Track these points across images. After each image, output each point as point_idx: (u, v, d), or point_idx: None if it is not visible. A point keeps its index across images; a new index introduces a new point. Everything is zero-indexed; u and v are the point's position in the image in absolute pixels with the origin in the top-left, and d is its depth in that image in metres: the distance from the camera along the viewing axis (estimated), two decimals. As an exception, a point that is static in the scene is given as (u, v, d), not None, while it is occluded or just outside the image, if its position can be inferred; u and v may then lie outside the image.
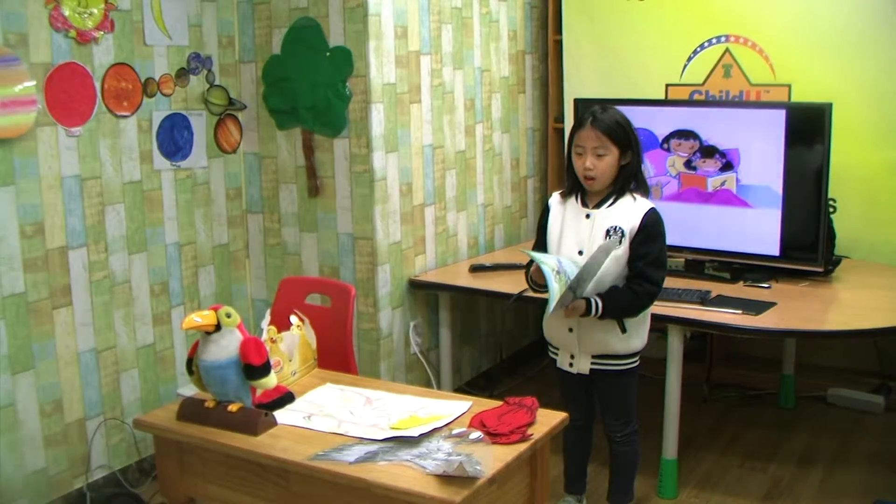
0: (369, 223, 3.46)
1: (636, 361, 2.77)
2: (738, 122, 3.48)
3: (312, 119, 3.49)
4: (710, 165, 3.54)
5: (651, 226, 2.60)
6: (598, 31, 4.28)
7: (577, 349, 2.72)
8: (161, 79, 3.31)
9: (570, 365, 2.76)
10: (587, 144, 2.58)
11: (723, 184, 3.53)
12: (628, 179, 2.63)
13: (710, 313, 3.07)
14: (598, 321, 2.62)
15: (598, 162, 2.58)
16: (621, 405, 2.81)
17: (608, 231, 2.60)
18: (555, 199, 2.78)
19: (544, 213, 2.79)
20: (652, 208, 2.62)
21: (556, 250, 2.70)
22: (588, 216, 2.66)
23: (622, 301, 2.60)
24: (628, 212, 2.61)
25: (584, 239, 2.64)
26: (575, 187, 2.71)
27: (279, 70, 3.54)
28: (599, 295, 2.57)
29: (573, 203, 2.71)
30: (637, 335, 2.72)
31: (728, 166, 3.51)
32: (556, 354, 2.82)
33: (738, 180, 3.50)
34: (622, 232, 2.59)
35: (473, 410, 2.23)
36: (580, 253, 2.64)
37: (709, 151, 3.55)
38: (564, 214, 2.72)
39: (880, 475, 3.33)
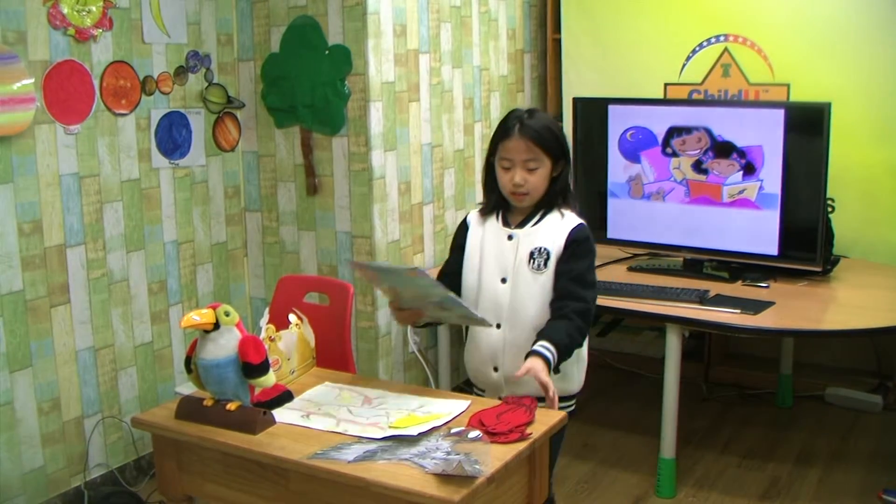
0: (368, 222, 3.45)
1: (572, 405, 2.39)
2: (736, 121, 3.47)
3: (311, 117, 3.49)
4: (726, 168, 3.47)
5: (578, 242, 2.29)
6: (597, 30, 4.28)
7: (505, 391, 2.33)
8: (159, 77, 3.30)
9: None
10: (516, 157, 2.25)
11: (741, 192, 3.45)
12: (557, 193, 2.32)
13: (708, 312, 3.07)
14: (523, 357, 2.19)
15: (530, 176, 2.26)
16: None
17: (532, 254, 2.29)
18: (473, 216, 2.44)
19: (461, 231, 2.44)
20: (581, 224, 2.31)
21: (476, 278, 2.37)
22: (510, 237, 2.33)
23: (564, 333, 2.19)
24: (555, 230, 2.30)
25: (507, 265, 2.32)
26: (497, 204, 2.38)
27: (278, 68, 3.54)
28: (548, 340, 2.16)
29: (493, 222, 2.38)
30: (572, 375, 2.35)
31: (749, 169, 3.40)
32: (482, 397, 2.39)
33: (761, 188, 3.39)
34: (547, 254, 2.28)
35: (472, 409, 2.23)
36: (503, 281, 2.32)
37: (723, 149, 3.42)
38: (484, 235, 2.38)
39: (878, 474, 3.33)
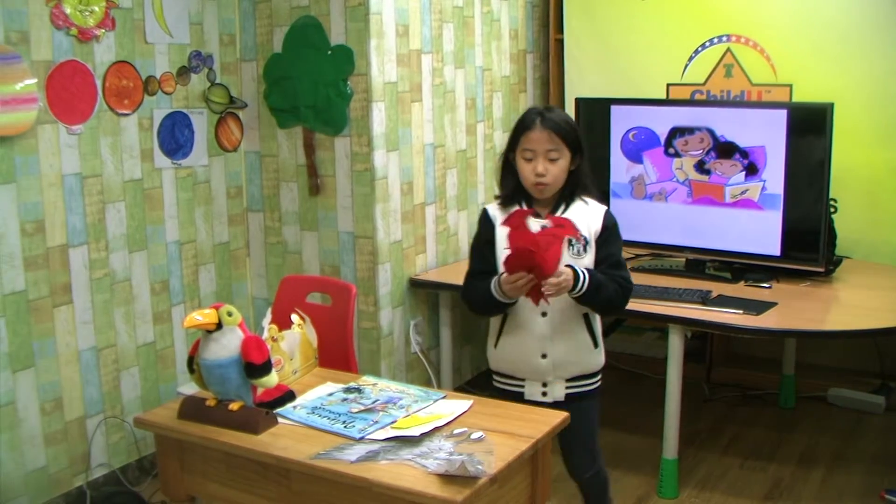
0: (370, 222, 3.45)
1: (599, 381, 2.58)
2: (739, 121, 3.47)
3: (313, 117, 3.49)
4: (728, 168, 3.46)
5: (612, 226, 2.43)
6: (600, 31, 4.28)
7: (552, 375, 2.46)
8: (162, 77, 3.30)
9: (544, 395, 2.48)
10: (538, 147, 2.35)
11: (743, 193, 3.44)
12: (577, 184, 2.42)
13: (710, 313, 3.07)
14: (570, 341, 2.43)
15: (552, 166, 2.35)
16: (590, 436, 2.58)
17: (570, 240, 2.36)
18: (494, 210, 2.48)
19: (487, 226, 2.48)
20: (608, 209, 2.46)
21: None
22: (543, 227, 2.36)
23: (603, 277, 2.34)
24: (586, 216, 2.41)
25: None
26: (516, 196, 2.45)
27: (280, 68, 3.54)
28: (588, 271, 2.32)
29: None
30: (603, 348, 2.54)
31: (752, 169, 3.40)
32: (520, 387, 2.51)
33: (763, 188, 3.39)
34: (585, 240, 2.38)
35: (474, 409, 2.23)
36: None
37: (726, 150, 3.41)
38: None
39: (881, 475, 3.33)
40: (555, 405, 2.44)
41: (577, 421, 2.36)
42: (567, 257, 2.35)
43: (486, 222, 2.49)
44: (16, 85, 2.79)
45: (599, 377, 2.56)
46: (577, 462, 2.59)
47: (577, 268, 2.31)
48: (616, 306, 2.45)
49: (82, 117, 3.03)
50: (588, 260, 2.39)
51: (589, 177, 2.46)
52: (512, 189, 2.45)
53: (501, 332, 2.51)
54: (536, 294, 2.29)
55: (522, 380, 2.51)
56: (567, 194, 2.42)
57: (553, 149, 2.35)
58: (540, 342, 2.44)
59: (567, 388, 2.49)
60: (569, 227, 2.31)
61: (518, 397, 2.48)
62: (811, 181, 3.34)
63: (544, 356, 2.45)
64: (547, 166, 2.35)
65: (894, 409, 3.91)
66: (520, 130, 2.41)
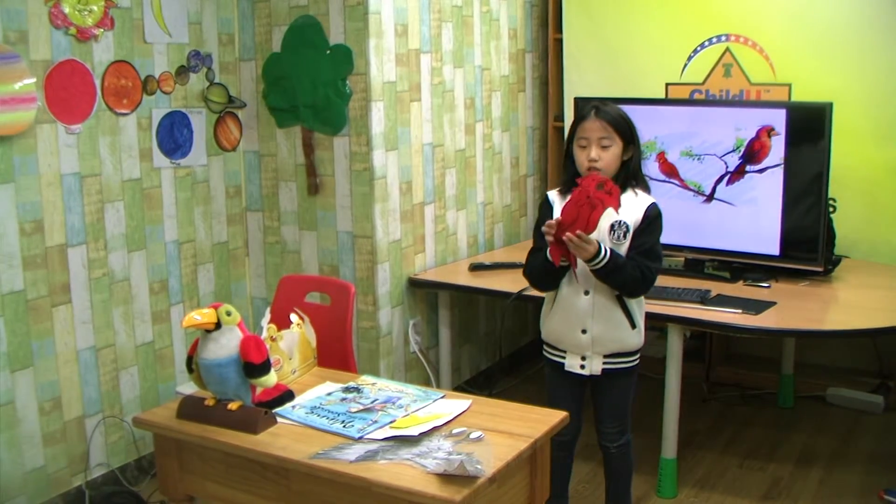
0: (369, 221, 3.45)
1: (639, 358, 2.72)
2: (738, 121, 3.47)
3: (312, 117, 3.49)
4: (728, 168, 3.49)
5: (652, 218, 2.58)
6: (599, 30, 4.28)
7: (590, 350, 2.65)
8: (161, 76, 3.30)
9: (582, 367, 2.67)
10: (592, 135, 2.55)
11: (742, 192, 3.47)
12: (630, 175, 2.59)
13: (709, 312, 3.07)
14: (608, 319, 2.60)
15: (604, 153, 2.54)
16: (621, 409, 2.73)
17: (612, 226, 2.54)
18: (553, 196, 2.70)
19: (546, 209, 2.68)
20: (654, 202, 2.60)
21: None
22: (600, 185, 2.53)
23: (625, 260, 2.51)
24: (631, 206, 2.57)
25: (592, 238, 2.53)
26: (574, 183, 2.59)
27: (279, 68, 3.54)
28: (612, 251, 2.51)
29: None
30: (642, 330, 2.68)
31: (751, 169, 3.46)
32: (562, 358, 2.71)
33: (762, 188, 3.41)
34: (626, 227, 2.55)
35: (473, 409, 2.23)
36: None
37: (725, 149, 3.48)
38: None
39: (879, 475, 3.33)
40: (591, 378, 2.68)
41: (611, 394, 2.71)
42: (608, 242, 2.54)
43: (545, 205, 2.70)
44: (14, 84, 2.79)
45: (637, 357, 2.71)
46: (607, 432, 2.76)
47: (602, 244, 2.47)
48: (635, 290, 2.60)
49: (81, 117, 3.03)
50: (626, 246, 2.56)
51: (639, 170, 2.63)
52: (571, 176, 2.63)
53: (552, 306, 2.70)
54: (557, 253, 2.49)
55: (565, 351, 2.70)
56: (620, 183, 2.56)
57: (605, 137, 2.54)
58: (581, 318, 2.63)
59: (604, 363, 2.66)
60: (615, 195, 2.43)
61: (560, 367, 2.71)
62: (810, 181, 3.35)
63: (584, 331, 2.64)
64: (599, 153, 2.54)
65: (893, 408, 3.92)
66: (577, 121, 2.62)
